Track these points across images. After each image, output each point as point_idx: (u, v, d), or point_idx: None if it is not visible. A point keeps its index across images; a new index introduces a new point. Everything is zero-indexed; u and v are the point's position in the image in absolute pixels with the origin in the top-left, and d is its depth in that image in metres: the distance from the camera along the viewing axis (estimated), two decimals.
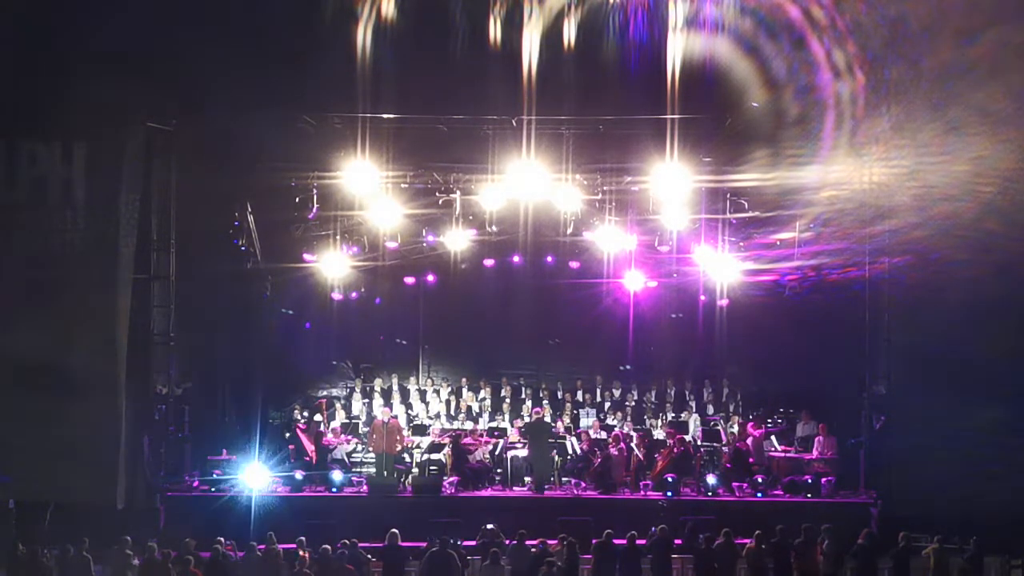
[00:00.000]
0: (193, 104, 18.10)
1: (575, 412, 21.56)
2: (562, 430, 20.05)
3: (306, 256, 21.50)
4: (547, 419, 20.36)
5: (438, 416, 21.18)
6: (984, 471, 16.67)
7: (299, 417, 20.66)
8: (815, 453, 19.16)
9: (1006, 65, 16.55)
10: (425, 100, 18.17)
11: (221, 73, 16.76)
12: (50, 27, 16.68)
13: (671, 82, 17.54)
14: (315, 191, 20.03)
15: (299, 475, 18.59)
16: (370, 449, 19.65)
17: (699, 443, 19.89)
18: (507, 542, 15.22)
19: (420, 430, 20.01)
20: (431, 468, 19.04)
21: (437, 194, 20.66)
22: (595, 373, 22.78)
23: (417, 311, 23.82)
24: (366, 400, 22.00)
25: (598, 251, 21.57)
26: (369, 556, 14.55)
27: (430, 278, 23.29)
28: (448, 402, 22.00)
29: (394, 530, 14.47)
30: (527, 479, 18.91)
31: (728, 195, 20.35)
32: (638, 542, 14.66)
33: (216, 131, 18.22)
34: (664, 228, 20.34)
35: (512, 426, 20.20)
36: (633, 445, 19.29)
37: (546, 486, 18.71)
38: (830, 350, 19.54)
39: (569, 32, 17.71)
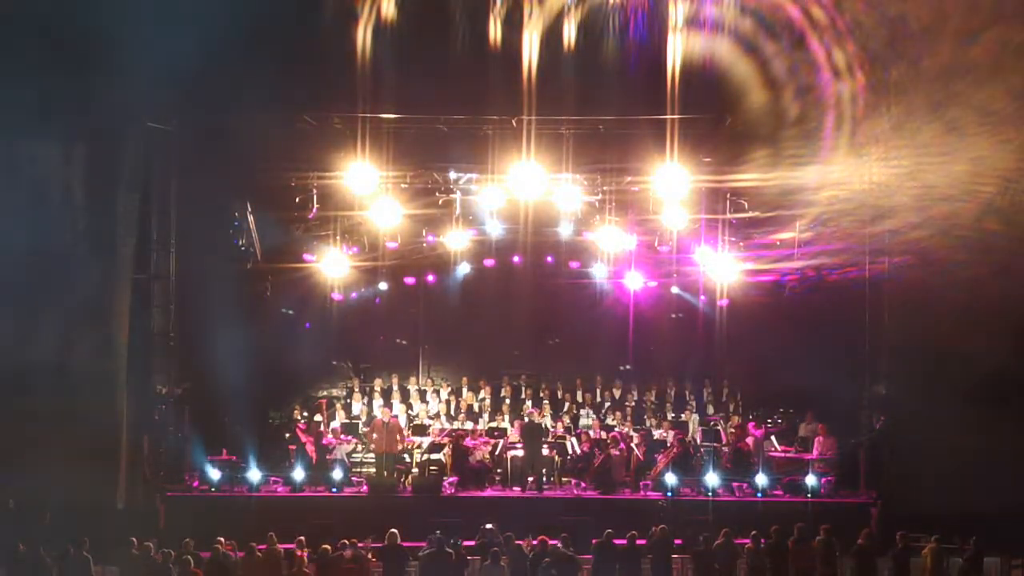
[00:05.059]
0: (193, 104, 18.10)
1: (575, 412, 21.56)
2: (562, 430, 20.06)
3: (306, 256, 21.52)
4: (544, 419, 20.41)
5: (438, 416, 21.18)
6: (984, 471, 16.65)
7: (299, 417, 20.68)
8: (815, 453, 19.16)
9: (1006, 65, 16.55)
10: (425, 100, 18.16)
11: (221, 73, 16.76)
12: (50, 28, 16.67)
13: (671, 82, 17.54)
14: (315, 191, 20.03)
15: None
16: (371, 449, 19.66)
17: (699, 443, 19.91)
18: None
19: (420, 430, 20.01)
20: (431, 468, 19.06)
21: (437, 194, 20.68)
22: (595, 373, 22.77)
23: (417, 311, 23.85)
24: (366, 400, 22.00)
25: (598, 251, 21.56)
26: (369, 556, 14.56)
27: (430, 278, 23.30)
28: (448, 402, 22.00)
29: (394, 530, 14.47)
30: (530, 479, 18.90)
31: (728, 195, 20.35)
32: (638, 542, 14.66)
33: (216, 131, 18.21)
34: (664, 228, 20.33)
35: (512, 426, 20.20)
36: (633, 445, 19.30)
37: (545, 486, 18.75)
38: (830, 350, 19.53)
39: (569, 32, 17.71)
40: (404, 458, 19.37)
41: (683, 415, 21.23)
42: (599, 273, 22.19)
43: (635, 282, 21.75)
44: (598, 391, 22.49)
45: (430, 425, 20.28)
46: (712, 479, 18.31)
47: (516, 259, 22.27)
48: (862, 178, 18.70)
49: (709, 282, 21.32)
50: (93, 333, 17.59)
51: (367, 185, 19.10)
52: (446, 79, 17.70)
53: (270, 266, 21.59)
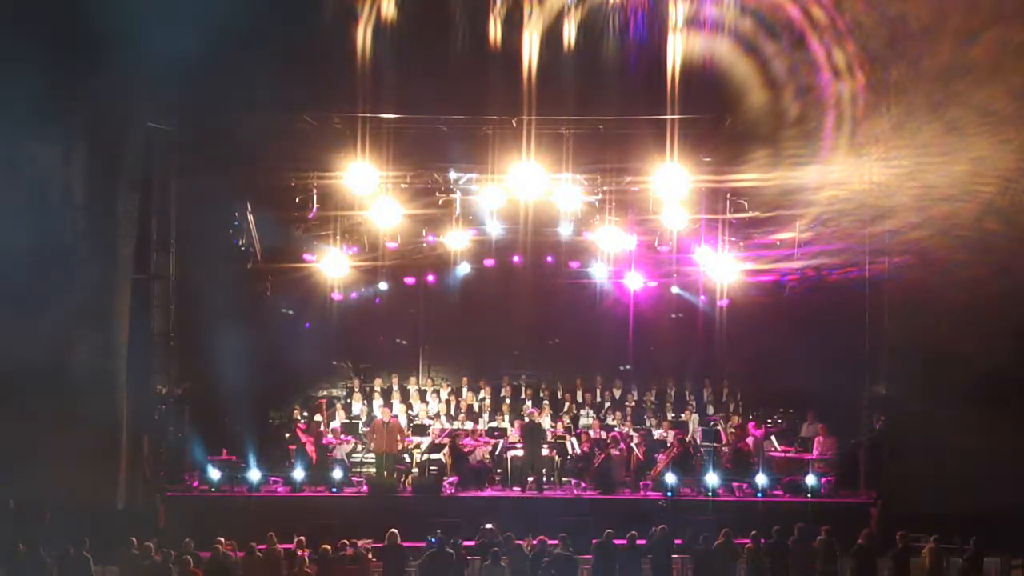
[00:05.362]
0: (193, 104, 18.09)
1: (575, 412, 21.56)
2: (562, 430, 20.06)
3: (306, 256, 21.51)
4: (544, 419, 20.41)
5: (438, 416, 21.19)
6: (984, 471, 16.66)
7: (299, 417, 20.68)
8: (815, 453, 19.16)
9: (1006, 65, 16.55)
10: (425, 100, 18.17)
11: (221, 73, 16.75)
12: (50, 28, 16.67)
13: (671, 82, 17.54)
14: (315, 191, 20.04)
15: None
16: (371, 449, 19.66)
17: (699, 443, 19.91)
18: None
19: (420, 430, 20.02)
20: (431, 468, 19.07)
21: (437, 194, 20.68)
22: (595, 373, 22.77)
23: (417, 311, 23.86)
24: (366, 400, 22.01)
25: (598, 251, 21.56)
26: (369, 556, 14.56)
27: (430, 278, 23.29)
28: (448, 402, 22.00)
29: (394, 530, 14.48)
30: (530, 479, 18.91)
31: (728, 195, 20.35)
32: (638, 542, 14.67)
33: (216, 131, 18.21)
34: (664, 228, 20.33)
35: (512, 426, 20.20)
36: (633, 445, 19.30)
37: (545, 486, 18.76)
38: (830, 350, 19.54)
39: (569, 32, 17.71)
40: (404, 458, 19.37)
41: (683, 415, 21.23)
42: (599, 273, 22.19)
43: (635, 282, 21.74)
44: (598, 391, 22.49)
45: (430, 425, 20.29)
46: (712, 479, 18.32)
47: (516, 259, 22.26)
48: (862, 178, 18.70)
49: (709, 282, 21.30)
50: (93, 333, 17.58)
51: (367, 185, 19.10)
52: (446, 79, 17.70)
53: (270, 266, 21.58)
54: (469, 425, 20.56)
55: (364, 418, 21.26)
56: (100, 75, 16.62)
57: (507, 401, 21.98)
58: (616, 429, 19.93)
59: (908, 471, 17.56)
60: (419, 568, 14.31)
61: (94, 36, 16.38)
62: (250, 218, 20.89)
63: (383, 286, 22.96)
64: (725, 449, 19.60)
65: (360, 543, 14.54)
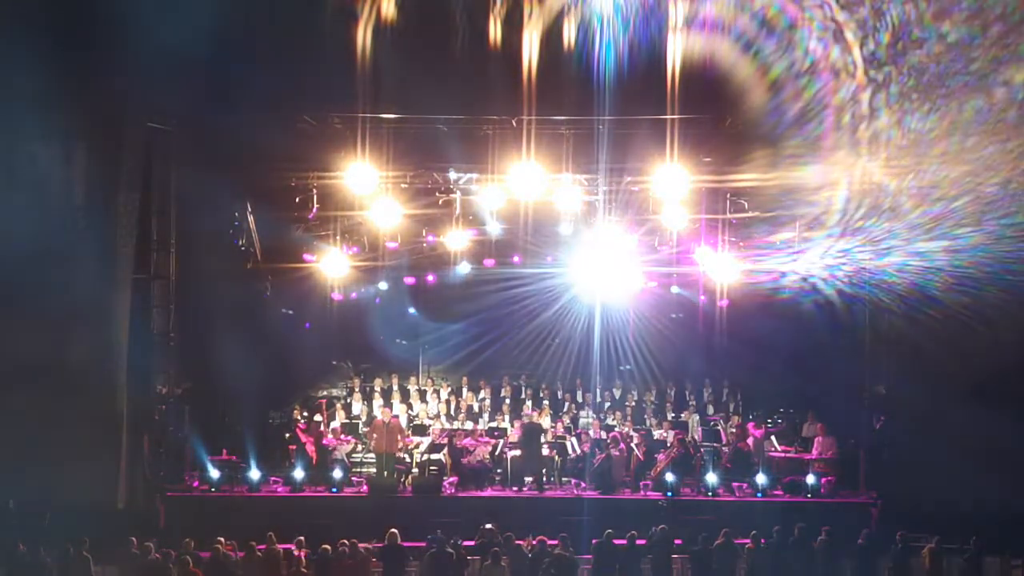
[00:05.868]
0: (193, 104, 18.09)
1: (575, 412, 21.56)
2: (562, 430, 20.06)
3: (306, 256, 21.52)
4: (544, 419, 20.41)
5: (438, 416, 21.19)
6: (984, 471, 16.66)
7: (299, 417, 20.68)
8: (815, 453, 19.16)
9: (1006, 65, 16.55)
10: (425, 100, 18.16)
11: (221, 73, 16.75)
12: (50, 27, 16.66)
13: (671, 82, 17.53)
14: (315, 191, 20.05)
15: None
16: (371, 449, 19.67)
17: (699, 443, 19.91)
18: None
19: (420, 430, 20.02)
20: (431, 468, 19.07)
21: (437, 194, 20.68)
22: (595, 373, 22.76)
23: (417, 311, 23.87)
24: (366, 400, 22.00)
25: (600, 252, 21.53)
26: (370, 556, 14.56)
27: (430, 278, 23.29)
28: (448, 402, 22.00)
29: (394, 530, 14.48)
30: (528, 479, 18.91)
31: (728, 195, 20.35)
32: (638, 542, 14.67)
33: (216, 131, 18.20)
34: (664, 228, 20.33)
35: (512, 426, 20.20)
36: (633, 445, 19.30)
37: (545, 486, 18.76)
38: (830, 350, 19.53)
39: (569, 32, 17.70)
40: (404, 458, 19.37)
41: (683, 415, 21.25)
42: (600, 273, 22.14)
43: (635, 282, 21.73)
44: (598, 391, 22.49)
45: (430, 425, 20.29)
46: (712, 479, 18.33)
47: (516, 259, 22.25)
48: (862, 178, 18.68)
49: (709, 282, 21.29)
50: (93, 332, 17.58)
51: (367, 185, 19.09)
52: (446, 79, 17.68)
53: (270, 266, 21.60)
54: (469, 425, 20.57)
55: (364, 418, 21.27)
56: (100, 75, 16.62)
57: (507, 401, 21.99)
58: (616, 429, 19.94)
59: (908, 471, 17.57)
60: (419, 568, 14.31)
61: (94, 36, 16.37)
62: (250, 218, 20.90)
63: (383, 286, 22.96)
64: (725, 449, 19.61)
65: (360, 543, 14.52)
